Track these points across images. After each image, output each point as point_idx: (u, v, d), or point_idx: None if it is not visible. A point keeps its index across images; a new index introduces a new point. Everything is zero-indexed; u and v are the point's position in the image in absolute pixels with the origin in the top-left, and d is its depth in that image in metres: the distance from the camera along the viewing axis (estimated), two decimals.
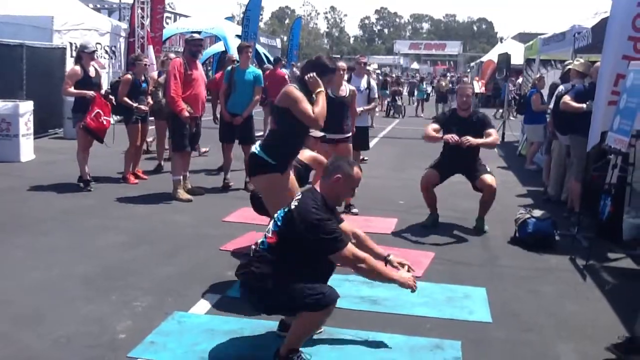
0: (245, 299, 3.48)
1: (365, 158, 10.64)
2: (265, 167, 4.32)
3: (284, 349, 3.32)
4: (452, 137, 6.17)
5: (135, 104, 8.04)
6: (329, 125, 6.93)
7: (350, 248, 3.35)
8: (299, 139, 4.52)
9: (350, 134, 6.95)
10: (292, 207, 3.35)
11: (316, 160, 5.22)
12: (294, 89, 4.30)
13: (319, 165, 5.12)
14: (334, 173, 3.45)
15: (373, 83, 8.84)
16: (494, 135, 6.40)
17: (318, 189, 3.52)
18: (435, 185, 6.51)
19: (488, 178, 6.33)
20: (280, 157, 4.34)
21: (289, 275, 3.25)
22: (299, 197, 3.45)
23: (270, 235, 3.38)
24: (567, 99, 6.87)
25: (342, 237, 3.33)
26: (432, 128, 6.44)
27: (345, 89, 6.85)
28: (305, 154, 5.05)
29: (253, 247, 3.47)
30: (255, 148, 4.47)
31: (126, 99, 7.98)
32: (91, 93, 7.45)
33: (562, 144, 7.65)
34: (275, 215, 3.49)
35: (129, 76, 8.18)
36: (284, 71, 13.15)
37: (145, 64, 8.50)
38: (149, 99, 8.55)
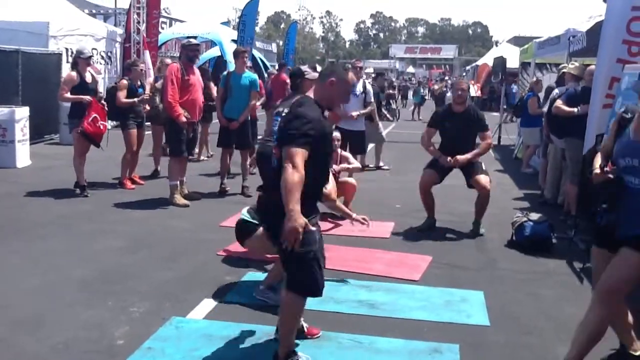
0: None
1: (386, 167, 10.69)
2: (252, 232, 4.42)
3: (282, 351, 3.32)
4: (446, 162, 6.30)
5: (137, 99, 8.06)
6: None
7: (302, 153, 3.08)
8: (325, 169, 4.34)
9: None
10: (283, 111, 3.36)
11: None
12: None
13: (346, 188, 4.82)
14: (328, 76, 3.39)
15: (369, 87, 8.86)
16: (487, 139, 6.48)
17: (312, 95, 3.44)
18: (434, 184, 6.53)
19: (482, 179, 6.35)
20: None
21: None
22: (295, 101, 3.43)
23: (274, 150, 3.37)
24: (559, 103, 6.96)
25: (308, 140, 3.10)
26: (427, 134, 6.55)
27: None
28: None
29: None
30: (242, 214, 4.45)
31: (126, 99, 7.98)
32: (87, 98, 7.45)
33: (558, 147, 7.68)
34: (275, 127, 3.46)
35: (125, 81, 8.19)
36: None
37: (141, 70, 8.50)
38: (146, 105, 8.54)
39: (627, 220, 3.33)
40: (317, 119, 3.21)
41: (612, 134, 3.57)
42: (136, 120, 8.21)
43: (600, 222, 3.52)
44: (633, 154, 3.26)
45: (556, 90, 7.84)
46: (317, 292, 3.31)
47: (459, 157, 6.25)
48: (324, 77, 3.42)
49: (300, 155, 3.07)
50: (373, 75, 33.77)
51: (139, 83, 8.30)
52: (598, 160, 3.66)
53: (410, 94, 33.14)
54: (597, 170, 3.54)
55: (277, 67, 15.62)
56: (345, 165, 6.92)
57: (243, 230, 4.40)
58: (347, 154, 7.19)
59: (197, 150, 10.14)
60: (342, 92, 3.45)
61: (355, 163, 7.17)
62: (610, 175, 3.42)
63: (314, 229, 3.19)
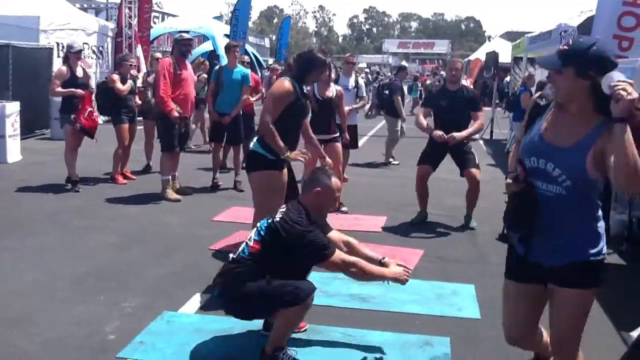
0: (225, 308, 3.47)
1: (395, 162, 10.72)
2: (265, 163, 4.33)
3: (269, 347, 3.33)
4: (441, 137, 6.26)
5: (131, 83, 8.10)
6: (315, 127, 6.95)
7: (338, 254, 3.37)
8: (295, 132, 4.52)
9: (338, 134, 6.95)
10: (277, 219, 3.37)
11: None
12: (283, 84, 4.31)
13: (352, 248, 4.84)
14: (312, 187, 3.47)
15: (361, 82, 8.87)
16: (480, 118, 6.54)
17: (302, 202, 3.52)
18: (430, 174, 6.57)
19: (474, 171, 6.42)
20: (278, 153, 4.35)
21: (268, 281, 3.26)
22: (284, 209, 3.47)
23: (252, 244, 3.39)
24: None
25: (329, 244, 3.35)
26: (422, 115, 6.60)
27: (332, 89, 6.86)
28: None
29: (231, 256, 3.47)
30: (253, 145, 4.48)
31: (124, 87, 7.96)
32: (79, 91, 7.42)
33: None
34: (259, 224, 3.51)
35: (115, 76, 8.15)
36: None
37: (131, 64, 8.46)
38: (137, 99, 8.51)
39: (546, 241, 2.62)
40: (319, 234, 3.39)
41: (524, 125, 2.95)
42: (128, 114, 8.19)
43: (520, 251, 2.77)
44: (540, 153, 2.60)
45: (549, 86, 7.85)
46: (311, 291, 3.31)
47: (455, 134, 6.27)
48: (308, 188, 3.49)
49: (337, 256, 3.34)
50: (367, 70, 33.93)
51: (129, 77, 8.27)
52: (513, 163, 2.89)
53: (405, 89, 33.51)
54: (509, 179, 2.78)
55: (282, 62, 15.70)
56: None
57: (253, 159, 4.43)
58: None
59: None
60: (328, 200, 3.52)
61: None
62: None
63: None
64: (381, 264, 3.61)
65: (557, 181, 2.53)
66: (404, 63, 12.57)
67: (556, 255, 2.61)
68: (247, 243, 3.43)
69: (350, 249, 3.65)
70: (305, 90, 4.53)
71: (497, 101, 16.33)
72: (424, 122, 6.54)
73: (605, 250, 2.64)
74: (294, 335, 3.70)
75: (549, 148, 2.57)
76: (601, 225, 2.63)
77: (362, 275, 3.42)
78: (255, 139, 4.56)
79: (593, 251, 2.59)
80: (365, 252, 3.69)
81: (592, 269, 2.63)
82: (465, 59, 37.27)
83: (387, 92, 10.77)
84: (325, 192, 3.46)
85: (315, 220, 3.46)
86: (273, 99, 4.36)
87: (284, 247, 3.30)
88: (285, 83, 4.33)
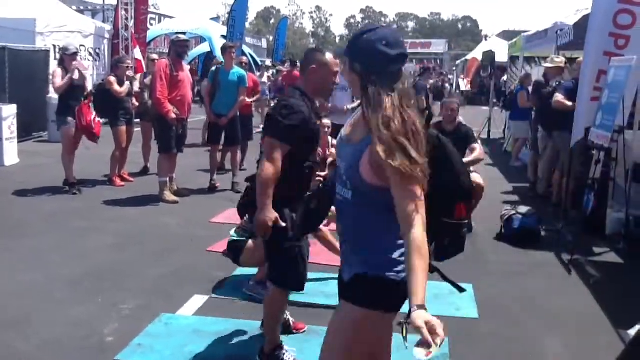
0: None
1: None
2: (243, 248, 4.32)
3: (267, 346, 3.34)
4: None
5: (128, 85, 8.10)
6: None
7: (277, 152, 3.04)
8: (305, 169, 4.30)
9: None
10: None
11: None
12: None
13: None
14: (308, 65, 3.27)
15: None
16: (478, 150, 6.47)
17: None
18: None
19: (476, 178, 6.39)
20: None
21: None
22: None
23: (261, 141, 3.31)
24: (560, 97, 6.82)
25: (287, 133, 3.06)
26: None
27: None
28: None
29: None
30: (231, 234, 4.42)
31: (121, 88, 7.97)
32: (75, 75, 7.44)
33: (556, 141, 7.59)
34: None
35: (112, 78, 8.14)
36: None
37: (127, 66, 8.45)
38: (134, 101, 8.51)
39: (343, 253, 2.29)
40: (305, 112, 3.12)
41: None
42: (125, 117, 8.18)
43: None
44: (338, 150, 2.28)
45: (553, 83, 7.78)
46: (299, 286, 3.33)
47: None
48: (305, 67, 3.30)
49: (278, 148, 3.03)
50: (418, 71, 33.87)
51: (125, 79, 8.26)
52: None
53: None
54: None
55: (288, 63, 15.77)
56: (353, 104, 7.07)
57: (236, 250, 4.37)
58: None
59: None
60: (326, 76, 3.26)
61: None
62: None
63: (284, 224, 3.07)
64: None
65: (345, 183, 2.16)
66: (535, 68, 12.48)
67: (345, 268, 2.24)
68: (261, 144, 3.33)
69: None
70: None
71: (495, 100, 16.31)
72: None
73: (394, 270, 2.13)
74: (293, 336, 3.70)
75: (342, 143, 2.23)
76: (391, 241, 2.12)
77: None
78: (233, 230, 4.47)
79: (374, 265, 2.13)
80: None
81: (367, 285, 2.14)
82: (462, 59, 37.29)
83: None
84: (320, 67, 3.22)
85: (312, 100, 3.26)
86: None
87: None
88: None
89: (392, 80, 2.00)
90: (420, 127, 1.96)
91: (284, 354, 3.33)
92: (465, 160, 6.31)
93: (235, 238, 4.35)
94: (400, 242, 2.03)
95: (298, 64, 11.95)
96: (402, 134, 1.91)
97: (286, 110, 3.07)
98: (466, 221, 2.21)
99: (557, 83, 7.37)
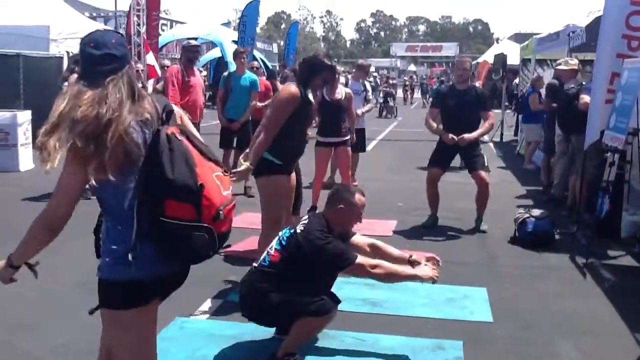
0: (247, 315, 3.53)
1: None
2: (271, 168, 4.30)
3: (281, 352, 3.35)
4: (451, 139, 6.27)
5: None
6: (326, 129, 6.97)
7: (361, 259, 3.39)
8: (300, 134, 4.48)
9: (348, 137, 6.97)
10: (298, 230, 3.39)
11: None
12: (289, 89, 4.26)
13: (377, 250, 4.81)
14: (336, 203, 3.48)
15: (368, 85, 8.92)
16: (490, 118, 6.53)
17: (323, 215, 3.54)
18: (439, 178, 6.58)
19: (482, 173, 6.41)
20: (286, 157, 4.32)
21: (291, 290, 3.30)
22: (305, 221, 3.48)
23: (273, 253, 3.42)
24: (587, 99, 6.67)
25: (348, 252, 3.38)
26: (431, 116, 6.61)
27: (341, 91, 6.88)
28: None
29: (254, 264, 3.50)
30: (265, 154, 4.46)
31: None
32: None
33: (573, 143, 7.50)
34: (281, 233, 3.54)
35: None
36: None
37: (137, 70, 8.51)
38: None
39: None
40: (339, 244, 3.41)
41: None
42: None
43: None
44: None
45: (572, 86, 7.68)
46: (329, 311, 3.37)
47: (465, 135, 6.25)
48: (332, 204, 3.51)
49: (360, 261, 3.38)
50: (375, 74, 33.96)
51: (139, 85, 8.32)
52: None
53: (418, 91, 34.16)
54: None
55: (290, 68, 15.75)
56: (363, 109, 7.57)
57: (261, 166, 4.46)
58: None
59: None
60: (352, 218, 3.54)
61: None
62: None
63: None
64: (410, 262, 3.62)
65: None
66: (547, 70, 12.48)
67: None
68: (268, 252, 3.46)
69: (375, 250, 3.68)
70: (311, 96, 4.50)
71: (507, 103, 16.25)
72: (434, 124, 6.53)
73: (114, 272, 2.21)
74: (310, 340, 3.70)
75: None
76: (115, 241, 2.20)
77: (388, 276, 3.45)
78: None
79: (101, 267, 2.26)
80: (391, 251, 3.74)
81: (100, 287, 2.28)
82: (474, 62, 37.23)
83: None
84: (350, 209, 3.48)
85: (337, 234, 3.47)
86: (281, 104, 4.27)
87: (305, 258, 3.33)
88: (292, 88, 4.29)
89: (99, 78, 2.08)
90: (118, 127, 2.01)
91: None
92: (477, 133, 6.33)
93: (265, 156, 4.44)
94: (116, 242, 2.18)
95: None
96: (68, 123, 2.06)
97: (331, 250, 3.35)
98: (195, 223, 2.02)
99: (580, 85, 7.29)
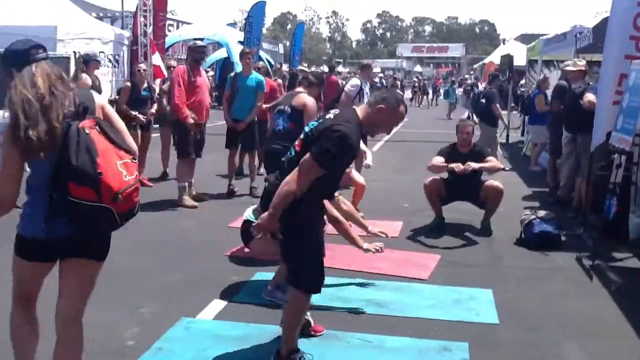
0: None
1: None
2: None
3: (284, 349, 3.35)
4: (457, 166, 6.26)
5: (134, 113, 8.10)
6: None
7: (330, 205, 3.40)
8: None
9: None
10: (327, 117, 3.28)
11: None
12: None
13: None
14: (378, 102, 3.29)
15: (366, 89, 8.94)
16: (493, 161, 6.59)
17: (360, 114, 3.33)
18: (438, 194, 6.53)
19: (493, 182, 6.38)
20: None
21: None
22: (338, 111, 3.39)
23: (297, 143, 3.34)
24: (592, 97, 6.65)
25: (329, 162, 3.13)
26: (437, 160, 6.54)
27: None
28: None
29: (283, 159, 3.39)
30: (247, 214, 4.43)
31: (125, 106, 8.04)
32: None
33: (579, 144, 7.47)
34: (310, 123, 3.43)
35: (128, 84, 8.25)
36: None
37: (139, 70, 8.52)
38: (153, 107, 8.56)
39: None
40: (354, 144, 3.17)
41: None
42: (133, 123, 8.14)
43: None
44: None
45: (578, 86, 7.65)
46: (316, 286, 3.33)
47: (470, 163, 6.24)
48: (374, 102, 3.32)
49: (314, 173, 3.10)
50: (381, 75, 33.99)
51: (145, 85, 8.34)
52: None
53: (430, 91, 34.46)
54: None
55: (326, 68, 15.83)
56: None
57: (248, 232, 4.40)
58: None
59: None
60: (388, 121, 3.35)
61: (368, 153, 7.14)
62: None
63: (277, 239, 3.37)
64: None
65: None
66: (495, 72, 12.42)
67: None
68: (293, 145, 3.36)
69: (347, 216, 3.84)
70: None
71: (513, 104, 16.21)
72: (438, 163, 6.45)
73: (18, 226, 2.76)
74: (312, 340, 3.71)
75: None
76: (29, 204, 2.76)
77: (340, 231, 3.73)
78: (250, 210, 4.50)
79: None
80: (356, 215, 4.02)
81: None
82: (480, 62, 37.16)
83: (483, 100, 10.57)
84: (389, 112, 3.28)
85: (363, 133, 3.32)
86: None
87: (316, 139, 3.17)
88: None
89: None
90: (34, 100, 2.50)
91: (300, 359, 3.34)
92: (482, 165, 6.31)
93: (251, 219, 4.36)
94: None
95: (335, 69, 11.92)
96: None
97: (339, 140, 3.08)
98: (96, 204, 2.48)
99: (587, 85, 7.28)
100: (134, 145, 2.77)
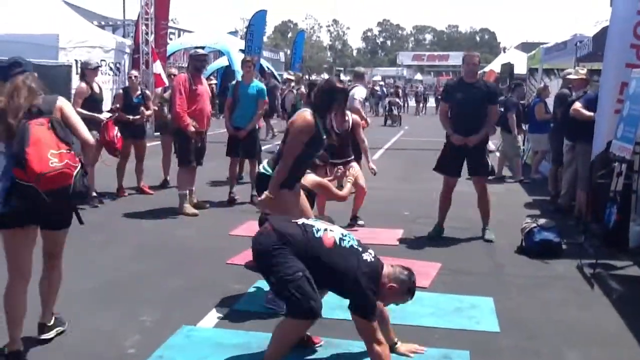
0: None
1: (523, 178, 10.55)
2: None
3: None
4: (457, 139, 6.31)
5: (131, 117, 8.14)
6: (335, 153, 7.03)
7: (376, 326, 3.37)
8: (306, 165, 4.48)
9: (352, 157, 6.96)
10: (365, 257, 3.39)
11: (320, 185, 4.95)
12: (305, 117, 4.18)
13: (323, 189, 4.99)
14: (395, 281, 3.42)
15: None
16: (493, 113, 6.52)
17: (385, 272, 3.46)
18: (453, 188, 6.62)
19: (480, 179, 6.55)
20: (288, 176, 4.28)
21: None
22: (373, 257, 3.45)
23: (329, 237, 3.41)
24: (577, 106, 6.82)
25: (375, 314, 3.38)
26: (444, 109, 6.65)
27: (349, 119, 6.87)
28: (309, 179, 4.77)
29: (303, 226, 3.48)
30: (262, 167, 4.47)
31: (121, 113, 8.07)
32: (101, 117, 7.55)
33: (578, 152, 7.49)
34: (347, 233, 3.53)
35: (121, 91, 8.37)
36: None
37: (130, 77, 8.58)
38: (147, 111, 8.54)
39: None
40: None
41: None
42: (127, 130, 8.13)
43: None
44: None
45: (574, 95, 7.69)
46: (311, 314, 3.32)
47: (471, 138, 6.30)
48: (395, 277, 3.44)
49: (375, 327, 3.36)
50: (382, 83, 34.05)
51: (137, 93, 8.37)
52: None
53: (432, 99, 34.60)
54: None
55: (326, 76, 15.84)
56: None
57: (264, 182, 4.39)
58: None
59: None
60: (398, 298, 3.51)
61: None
62: None
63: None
64: (392, 347, 3.63)
65: None
66: (554, 80, 12.20)
67: None
68: (324, 229, 3.44)
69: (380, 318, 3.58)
70: (326, 125, 4.43)
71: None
72: (446, 120, 6.53)
73: None
74: (312, 347, 3.70)
75: None
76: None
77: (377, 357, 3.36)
78: (265, 162, 4.50)
79: None
80: (388, 328, 3.70)
81: None
82: (481, 71, 37.23)
83: (502, 109, 10.46)
84: (399, 290, 3.44)
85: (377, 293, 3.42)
86: (297, 133, 4.17)
87: (341, 276, 3.32)
88: (308, 117, 4.18)
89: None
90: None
91: None
92: (481, 136, 6.35)
93: (266, 172, 4.35)
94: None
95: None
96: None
97: None
98: (27, 183, 3.28)
99: (583, 93, 7.31)
100: (88, 137, 3.63)
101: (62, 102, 3.61)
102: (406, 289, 3.45)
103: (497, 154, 11.40)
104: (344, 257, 3.36)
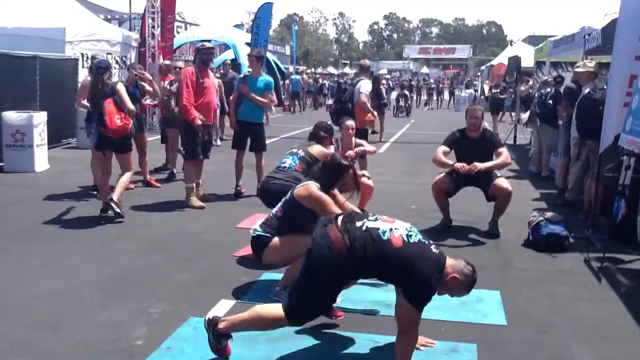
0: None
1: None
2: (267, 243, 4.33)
3: (224, 324, 3.50)
4: (462, 167, 6.13)
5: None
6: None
7: (419, 319, 3.47)
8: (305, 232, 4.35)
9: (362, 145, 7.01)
10: (433, 248, 3.50)
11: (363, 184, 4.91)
12: (316, 191, 4.28)
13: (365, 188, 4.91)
14: (459, 272, 3.48)
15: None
16: (504, 154, 6.28)
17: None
18: (447, 192, 6.48)
19: (502, 182, 6.31)
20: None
21: None
22: (436, 250, 3.53)
23: (396, 236, 3.49)
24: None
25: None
26: (442, 152, 6.37)
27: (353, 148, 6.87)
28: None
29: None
30: (253, 229, 4.42)
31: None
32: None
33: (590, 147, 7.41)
34: (410, 227, 3.65)
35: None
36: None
37: (136, 74, 8.56)
38: (149, 101, 8.60)
39: None
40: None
41: None
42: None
43: None
44: None
45: (587, 90, 7.59)
46: (296, 323, 3.52)
47: (477, 163, 6.10)
48: (458, 269, 3.50)
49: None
50: (388, 76, 33.96)
51: (134, 85, 8.38)
52: None
53: (446, 93, 34.64)
54: None
55: (332, 69, 15.67)
56: (361, 148, 6.89)
57: (258, 245, 4.40)
58: (361, 140, 7.15)
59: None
60: (458, 290, 3.57)
61: (370, 147, 7.15)
62: None
63: None
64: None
65: None
66: (561, 73, 11.82)
67: None
68: (391, 229, 3.51)
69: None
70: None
71: (521, 106, 16.18)
72: (442, 157, 6.31)
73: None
74: (320, 339, 3.71)
75: None
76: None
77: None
78: (258, 224, 4.45)
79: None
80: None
81: None
82: (488, 64, 37.07)
83: (550, 102, 9.90)
84: (461, 282, 3.48)
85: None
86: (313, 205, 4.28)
87: (410, 268, 3.35)
88: (316, 191, 4.30)
89: None
90: None
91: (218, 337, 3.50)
92: (491, 164, 6.24)
93: (260, 233, 4.36)
94: None
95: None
96: None
97: None
98: (105, 133, 6.45)
99: (601, 89, 7.20)
100: (131, 106, 6.67)
101: (119, 86, 6.74)
102: (469, 282, 3.50)
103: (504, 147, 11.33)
104: (414, 253, 3.39)
